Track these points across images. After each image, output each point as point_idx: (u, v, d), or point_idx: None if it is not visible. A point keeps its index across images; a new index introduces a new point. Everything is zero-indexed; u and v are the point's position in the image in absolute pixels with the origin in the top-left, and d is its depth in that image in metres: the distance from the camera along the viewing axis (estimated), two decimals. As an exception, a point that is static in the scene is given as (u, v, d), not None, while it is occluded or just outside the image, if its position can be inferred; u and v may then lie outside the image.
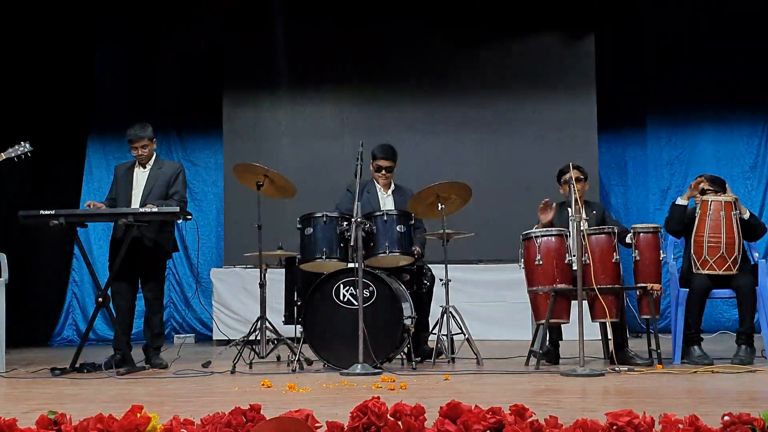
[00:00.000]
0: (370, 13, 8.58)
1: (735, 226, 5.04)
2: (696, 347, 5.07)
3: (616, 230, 5.05)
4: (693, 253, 5.13)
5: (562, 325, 5.22)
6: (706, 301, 5.20)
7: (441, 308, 5.47)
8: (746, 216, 5.16)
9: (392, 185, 5.83)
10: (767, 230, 5.37)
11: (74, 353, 5.19)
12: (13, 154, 5.30)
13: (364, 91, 8.64)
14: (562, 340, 5.35)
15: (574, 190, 4.73)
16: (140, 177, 5.57)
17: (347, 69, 8.64)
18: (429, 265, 5.70)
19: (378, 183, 5.80)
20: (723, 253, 5.03)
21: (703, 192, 5.24)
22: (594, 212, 5.48)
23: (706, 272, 5.08)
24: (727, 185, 5.38)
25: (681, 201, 5.30)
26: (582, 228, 4.73)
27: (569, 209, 4.86)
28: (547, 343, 5.15)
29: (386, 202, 5.74)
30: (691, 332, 5.11)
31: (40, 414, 2.59)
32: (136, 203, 5.47)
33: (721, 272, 5.06)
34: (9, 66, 7.93)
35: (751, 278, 5.16)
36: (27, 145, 5.33)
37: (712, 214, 5.06)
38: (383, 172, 5.73)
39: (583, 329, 4.54)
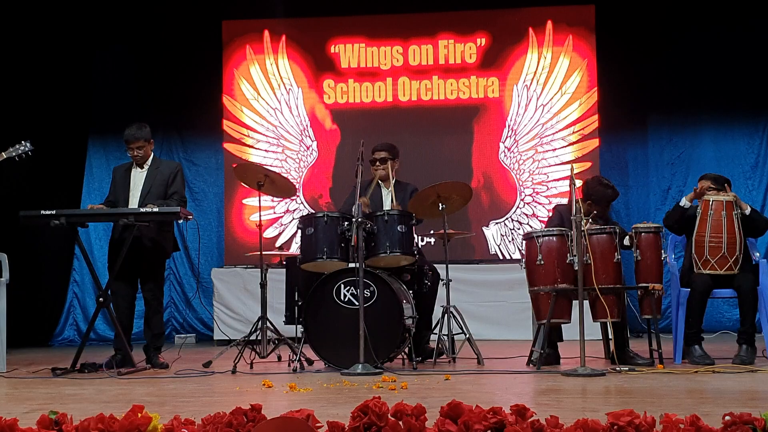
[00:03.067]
0: (369, 11, 8.64)
1: (736, 225, 5.02)
2: (697, 347, 5.06)
3: (617, 230, 5.05)
4: (694, 252, 5.11)
5: (562, 326, 5.21)
6: (708, 301, 5.19)
7: (442, 308, 5.48)
8: (747, 211, 5.12)
9: (393, 180, 5.82)
10: None
11: (75, 353, 5.19)
12: (14, 154, 5.29)
13: (365, 88, 8.65)
14: (561, 341, 5.34)
15: (574, 190, 4.72)
16: (138, 177, 5.56)
17: (347, 67, 8.65)
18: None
19: (379, 178, 5.78)
20: (725, 252, 5.01)
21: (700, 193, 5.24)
22: (594, 213, 5.48)
23: (708, 272, 5.06)
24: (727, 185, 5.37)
25: (684, 202, 5.26)
26: (583, 228, 4.73)
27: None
28: (546, 347, 5.11)
29: (387, 199, 5.74)
30: (692, 332, 5.10)
31: (41, 414, 2.59)
32: (134, 204, 5.46)
33: (722, 272, 5.04)
34: (10, 66, 7.94)
35: (753, 278, 5.14)
36: (28, 144, 5.33)
37: (713, 214, 5.04)
38: (377, 163, 5.72)
39: (584, 329, 4.54)
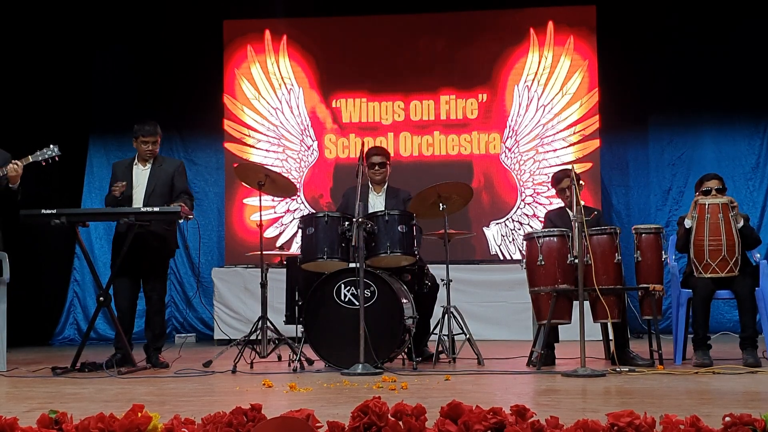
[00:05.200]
0: (370, 11, 8.64)
1: (733, 226, 4.97)
2: (701, 352, 4.98)
3: (618, 230, 5.05)
4: (694, 257, 5.05)
5: (560, 326, 5.21)
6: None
7: (442, 308, 5.48)
8: (740, 224, 5.05)
9: (386, 185, 5.81)
10: (759, 243, 5.30)
11: (75, 352, 5.20)
12: (40, 158, 5.26)
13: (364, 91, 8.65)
14: (558, 342, 5.34)
15: (576, 191, 4.72)
16: (141, 176, 5.55)
17: (347, 67, 8.65)
18: (429, 267, 5.67)
19: (371, 183, 5.78)
20: (725, 255, 4.95)
21: (704, 192, 5.21)
22: (594, 213, 5.49)
23: (709, 276, 5.00)
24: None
25: (688, 223, 5.12)
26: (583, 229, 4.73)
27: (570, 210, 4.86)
28: (544, 347, 5.10)
29: (376, 202, 5.71)
30: (698, 338, 5.04)
31: (41, 413, 2.59)
32: (138, 202, 5.46)
33: (724, 275, 4.97)
34: (10, 66, 7.94)
35: (750, 282, 5.07)
36: (55, 149, 5.27)
37: (710, 217, 4.97)
38: (376, 168, 5.71)
39: (584, 330, 4.54)
